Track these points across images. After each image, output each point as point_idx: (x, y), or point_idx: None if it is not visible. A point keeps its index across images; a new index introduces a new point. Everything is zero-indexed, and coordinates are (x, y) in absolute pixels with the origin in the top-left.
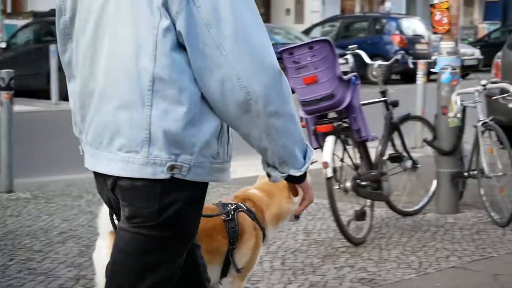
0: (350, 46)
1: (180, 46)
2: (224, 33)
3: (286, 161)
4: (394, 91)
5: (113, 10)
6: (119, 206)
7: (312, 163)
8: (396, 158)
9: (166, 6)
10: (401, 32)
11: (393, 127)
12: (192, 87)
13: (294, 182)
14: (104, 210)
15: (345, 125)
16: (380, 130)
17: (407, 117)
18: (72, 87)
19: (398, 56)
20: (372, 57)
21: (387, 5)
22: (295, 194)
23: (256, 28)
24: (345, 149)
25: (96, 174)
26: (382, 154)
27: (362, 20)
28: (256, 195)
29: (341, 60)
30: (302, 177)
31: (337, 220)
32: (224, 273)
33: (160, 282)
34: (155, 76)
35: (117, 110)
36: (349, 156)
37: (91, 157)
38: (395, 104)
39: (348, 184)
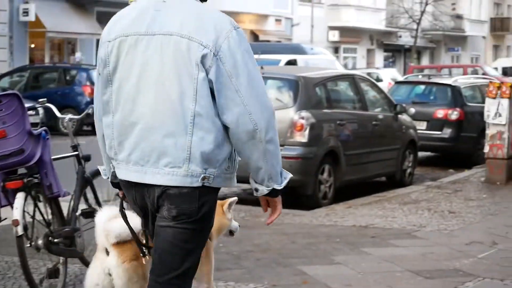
0: (40, 100)
1: (210, 90)
2: (241, 81)
3: (273, 178)
4: (86, 143)
5: (158, 66)
6: (152, 210)
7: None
8: (89, 214)
9: (202, 62)
10: (92, 83)
11: (85, 181)
12: (218, 120)
13: (272, 196)
14: (100, 226)
15: (36, 180)
16: (73, 185)
17: (99, 171)
18: (109, 120)
19: (90, 110)
20: (63, 108)
21: (77, 56)
22: (266, 209)
23: (259, 80)
24: (36, 206)
25: (131, 185)
26: (74, 209)
27: (52, 71)
28: None
29: (30, 112)
30: (279, 192)
31: (29, 279)
32: None
33: (193, 264)
34: (195, 113)
35: (164, 137)
36: (41, 213)
37: (133, 172)
38: (87, 158)
39: (40, 242)
